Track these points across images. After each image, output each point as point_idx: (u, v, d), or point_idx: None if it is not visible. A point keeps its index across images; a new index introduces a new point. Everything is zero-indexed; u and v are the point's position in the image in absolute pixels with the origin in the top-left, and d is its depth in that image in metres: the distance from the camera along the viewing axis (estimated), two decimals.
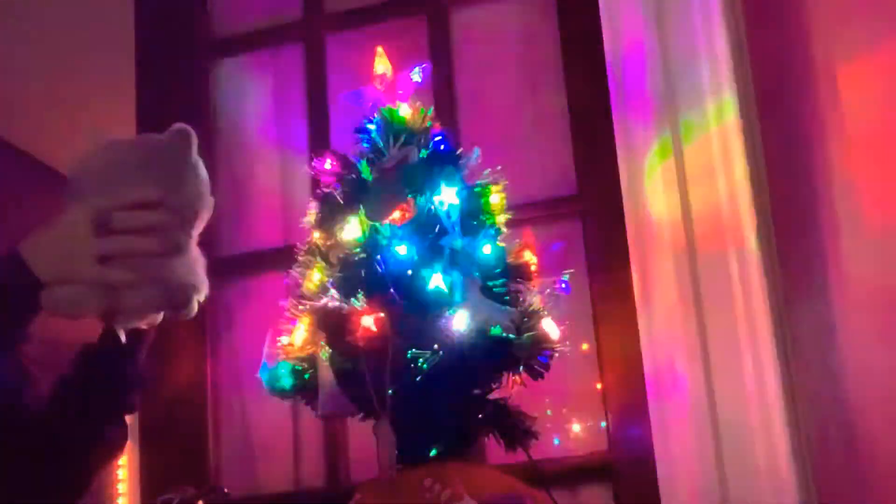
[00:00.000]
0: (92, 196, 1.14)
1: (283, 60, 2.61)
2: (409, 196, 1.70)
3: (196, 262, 1.19)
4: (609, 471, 2.19)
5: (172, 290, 1.16)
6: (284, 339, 1.74)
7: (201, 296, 1.21)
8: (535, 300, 1.72)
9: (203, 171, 1.19)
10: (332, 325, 1.65)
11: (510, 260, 1.73)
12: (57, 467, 1.23)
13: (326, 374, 1.66)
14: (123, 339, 1.27)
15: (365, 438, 1.76)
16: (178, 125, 1.19)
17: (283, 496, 2.38)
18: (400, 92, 1.82)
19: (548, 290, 1.74)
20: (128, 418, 1.35)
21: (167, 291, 1.16)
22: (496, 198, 1.76)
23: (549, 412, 2.17)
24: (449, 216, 1.67)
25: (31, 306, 1.14)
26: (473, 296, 1.63)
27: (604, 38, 2.17)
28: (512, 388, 1.73)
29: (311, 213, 1.80)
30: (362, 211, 1.70)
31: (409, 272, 1.65)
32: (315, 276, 1.73)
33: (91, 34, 2.92)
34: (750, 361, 1.92)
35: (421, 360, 1.63)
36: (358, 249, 1.69)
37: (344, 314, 1.64)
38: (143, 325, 1.25)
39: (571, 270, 1.82)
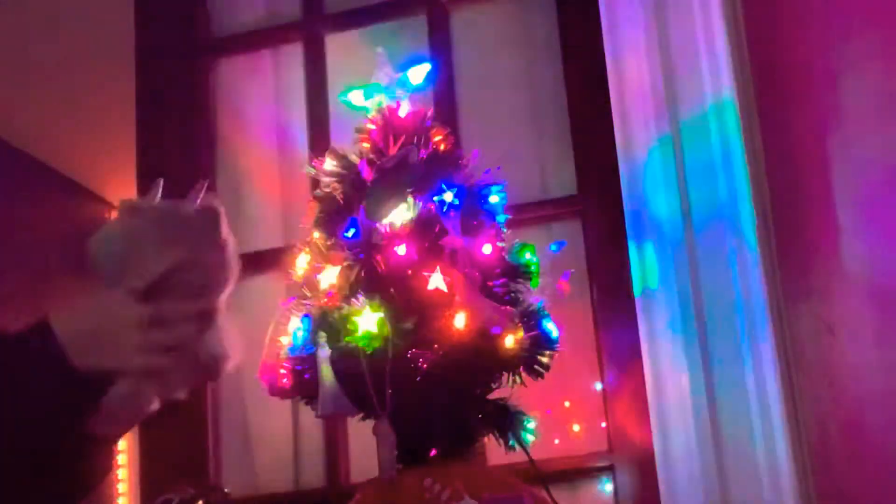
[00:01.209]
0: (123, 276, 1.07)
1: (283, 60, 2.61)
2: (409, 196, 1.70)
3: (225, 331, 1.16)
4: (609, 471, 2.19)
5: (206, 364, 1.14)
6: (284, 339, 1.74)
7: (231, 363, 1.18)
8: (535, 300, 1.72)
9: (231, 247, 1.15)
10: (332, 325, 1.65)
11: (510, 260, 1.73)
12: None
13: (326, 374, 1.66)
14: None
15: (365, 438, 1.76)
16: (208, 203, 1.11)
17: (283, 496, 2.38)
18: (400, 92, 1.82)
19: (548, 290, 1.74)
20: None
21: (201, 366, 1.13)
22: (496, 198, 1.76)
23: (549, 412, 2.16)
24: (449, 216, 1.67)
25: (58, 391, 1.03)
26: (473, 296, 1.63)
27: (604, 38, 2.17)
28: (512, 388, 1.73)
29: (311, 213, 1.80)
30: (362, 211, 1.70)
31: (409, 272, 1.65)
32: (315, 276, 1.73)
33: (91, 34, 2.92)
34: (750, 361, 1.93)
35: (421, 360, 1.63)
36: (358, 249, 1.69)
37: (344, 314, 1.64)
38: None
39: (572, 270, 1.82)
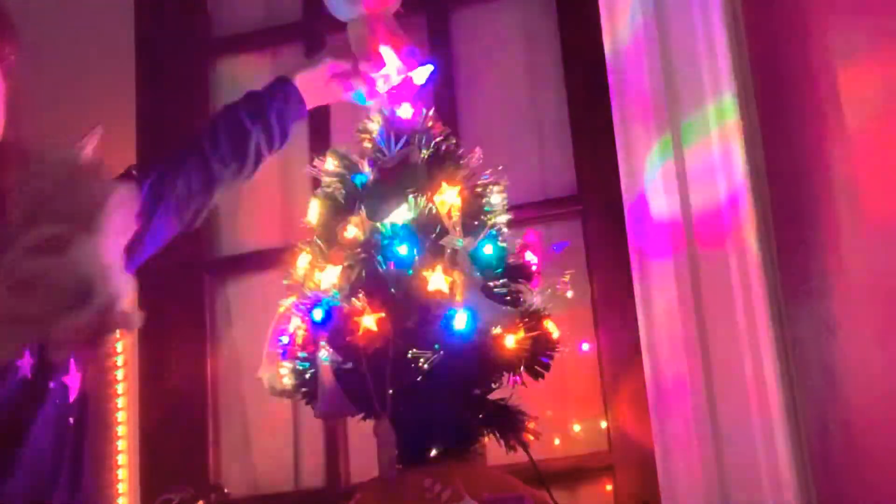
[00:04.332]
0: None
1: (283, 60, 2.61)
2: (410, 196, 1.70)
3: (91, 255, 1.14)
4: (609, 471, 2.19)
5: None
6: (284, 339, 1.74)
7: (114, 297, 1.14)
8: (535, 300, 1.72)
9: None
10: (332, 325, 1.65)
11: (511, 260, 1.73)
12: None
13: (326, 374, 1.66)
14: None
15: (365, 438, 1.76)
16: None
17: (283, 496, 2.38)
18: (403, 91, 1.82)
19: (549, 290, 1.74)
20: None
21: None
22: (497, 198, 1.76)
23: (549, 412, 2.16)
24: (450, 216, 1.67)
25: None
26: (474, 296, 1.63)
27: (604, 38, 2.17)
28: (512, 388, 1.73)
29: (311, 213, 1.80)
30: (363, 211, 1.70)
31: (410, 272, 1.65)
32: (315, 276, 1.73)
33: (91, 34, 2.92)
34: (750, 361, 1.93)
35: (421, 360, 1.63)
36: (358, 249, 1.68)
37: (344, 314, 1.64)
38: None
39: (572, 270, 1.82)
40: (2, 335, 1.10)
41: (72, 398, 1.46)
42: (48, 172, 1.15)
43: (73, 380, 1.47)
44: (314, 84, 1.88)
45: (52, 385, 1.43)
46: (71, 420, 1.46)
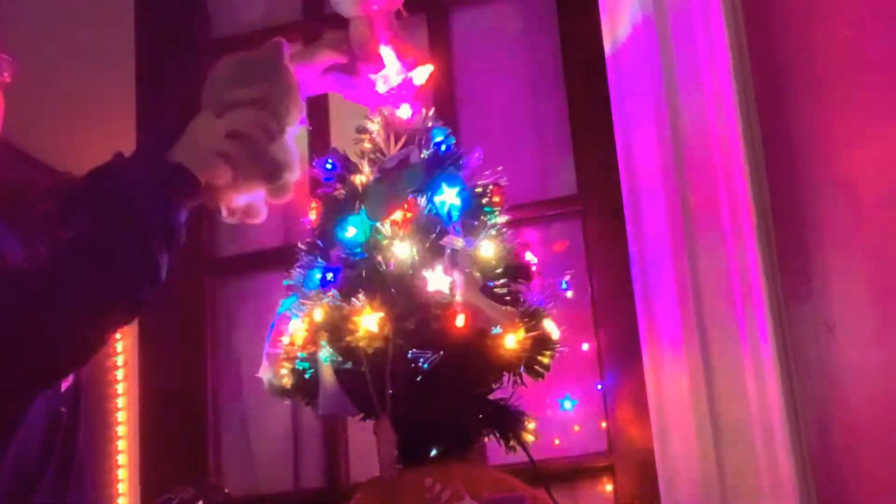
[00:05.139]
0: (210, 104, 1.40)
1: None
2: (410, 196, 1.69)
3: (288, 149, 1.41)
4: (609, 471, 2.19)
5: (267, 165, 1.39)
6: (284, 339, 1.74)
7: (293, 175, 1.42)
8: (535, 300, 1.71)
9: (291, 76, 1.44)
10: (332, 325, 1.65)
11: (510, 260, 1.73)
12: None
13: (326, 374, 1.65)
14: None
15: (365, 438, 1.76)
16: (274, 39, 1.46)
17: (283, 496, 2.38)
18: (402, 92, 1.82)
19: (548, 291, 1.74)
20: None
21: (264, 166, 1.39)
22: (496, 198, 1.76)
23: (549, 412, 2.17)
24: (450, 216, 1.67)
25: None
26: (474, 296, 1.63)
27: (604, 38, 2.17)
28: (512, 388, 1.73)
29: (311, 213, 1.80)
30: (363, 211, 1.70)
31: (410, 272, 1.65)
32: (315, 276, 1.73)
33: (91, 34, 2.92)
34: (750, 361, 1.93)
35: (421, 360, 1.63)
36: (358, 249, 1.68)
37: (344, 314, 1.64)
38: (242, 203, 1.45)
39: (572, 270, 1.82)
40: (204, 157, 1.35)
41: (64, 387, 1.45)
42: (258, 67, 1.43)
43: None
44: (309, 74, 1.87)
45: None
46: (63, 409, 1.45)
